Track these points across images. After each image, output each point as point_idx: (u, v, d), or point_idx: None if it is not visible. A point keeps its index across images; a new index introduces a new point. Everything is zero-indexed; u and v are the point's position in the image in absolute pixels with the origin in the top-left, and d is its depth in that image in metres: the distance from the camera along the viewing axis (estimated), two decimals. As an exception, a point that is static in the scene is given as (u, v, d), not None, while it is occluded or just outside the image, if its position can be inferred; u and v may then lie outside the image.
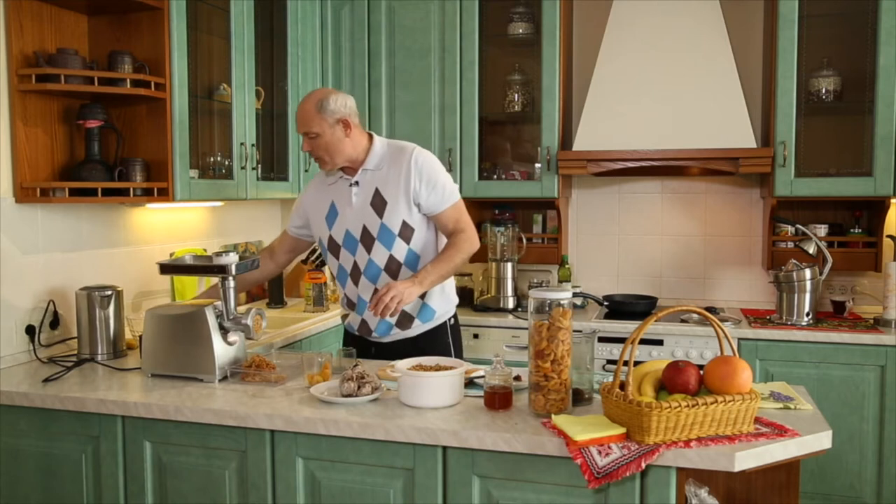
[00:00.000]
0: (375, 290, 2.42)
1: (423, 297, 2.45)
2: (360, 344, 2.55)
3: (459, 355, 2.59)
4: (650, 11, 3.46)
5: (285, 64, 3.47)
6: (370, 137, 2.47)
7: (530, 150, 3.78)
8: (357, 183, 2.45)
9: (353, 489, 1.88)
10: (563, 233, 3.78)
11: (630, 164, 3.41)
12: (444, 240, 2.50)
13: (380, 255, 2.43)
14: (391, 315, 2.27)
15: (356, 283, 2.48)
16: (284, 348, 2.88)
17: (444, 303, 2.54)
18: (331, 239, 2.50)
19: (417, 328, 2.50)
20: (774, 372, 3.13)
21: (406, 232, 2.42)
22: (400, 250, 2.42)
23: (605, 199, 3.91)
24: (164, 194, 2.67)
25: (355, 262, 2.47)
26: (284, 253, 2.71)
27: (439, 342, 2.51)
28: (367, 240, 2.43)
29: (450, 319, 2.57)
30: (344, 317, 2.66)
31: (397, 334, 2.50)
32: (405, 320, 2.47)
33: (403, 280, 2.33)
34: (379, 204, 2.41)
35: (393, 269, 2.43)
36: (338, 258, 2.51)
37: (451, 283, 2.57)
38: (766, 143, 3.41)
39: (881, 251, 3.37)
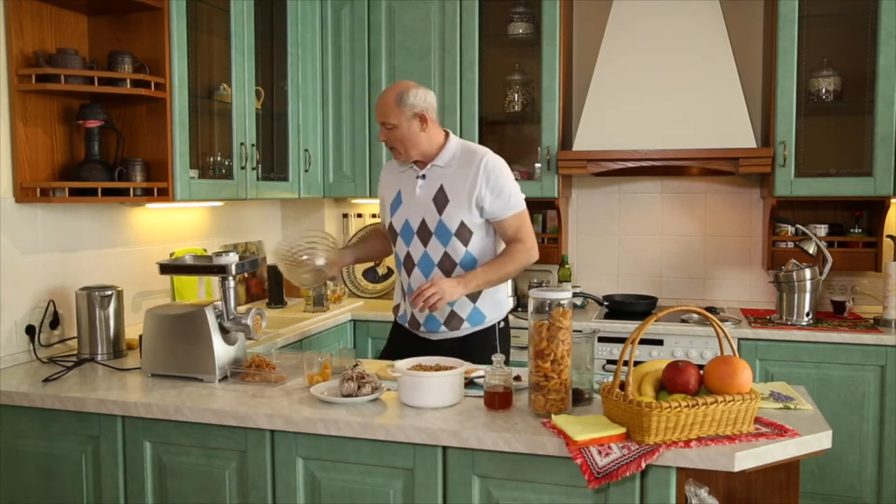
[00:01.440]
0: None
1: (474, 300, 2.46)
2: (408, 340, 2.56)
3: (507, 357, 2.56)
4: (650, 11, 3.46)
5: (285, 64, 3.48)
6: (446, 135, 2.51)
7: (530, 150, 3.78)
8: (424, 176, 2.48)
9: (353, 489, 1.88)
10: (563, 233, 3.78)
11: (630, 164, 3.41)
12: (503, 247, 2.51)
13: (435, 251, 2.45)
14: (430, 310, 2.30)
15: (409, 273, 2.51)
16: (284, 348, 2.88)
17: (495, 307, 2.53)
18: (391, 226, 2.55)
19: (466, 329, 2.50)
20: (774, 372, 3.13)
21: (463, 232, 2.43)
22: (456, 250, 2.44)
23: (605, 199, 3.91)
24: (164, 194, 2.67)
25: (408, 253, 2.50)
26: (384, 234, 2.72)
27: (487, 344, 2.50)
28: (424, 233, 2.46)
29: (499, 322, 2.57)
30: (395, 309, 2.67)
31: (445, 333, 2.50)
32: (454, 320, 2.48)
33: (449, 279, 2.35)
34: (441, 200, 2.44)
35: (447, 266, 2.45)
36: (395, 246, 2.56)
37: (504, 288, 2.57)
38: (766, 143, 3.41)
39: (881, 251, 3.37)
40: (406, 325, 2.58)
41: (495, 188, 2.41)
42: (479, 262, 2.45)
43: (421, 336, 2.55)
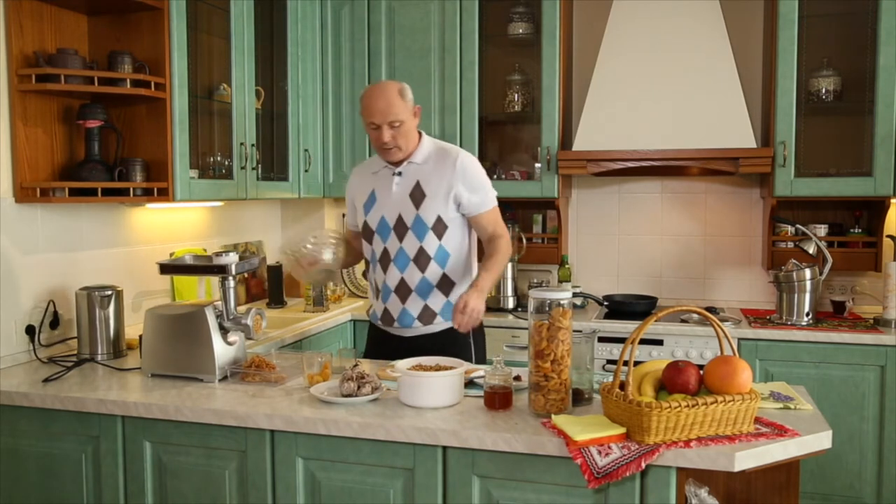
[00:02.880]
0: (402, 280, 2.47)
1: (446, 294, 2.50)
2: (382, 338, 2.58)
3: (481, 356, 2.59)
4: (650, 11, 3.46)
5: (285, 64, 3.48)
6: (419, 133, 2.54)
7: (530, 150, 3.78)
8: (401, 173, 2.49)
9: (353, 489, 1.88)
10: (563, 233, 3.78)
11: (630, 164, 3.41)
12: (475, 242, 2.56)
13: (410, 246, 2.47)
14: (473, 327, 2.34)
15: (385, 269, 2.52)
16: (284, 348, 2.88)
17: None
18: (365, 224, 2.55)
19: (440, 324, 2.51)
20: (774, 372, 3.13)
21: (439, 227, 2.46)
22: (431, 244, 2.46)
23: (605, 199, 3.91)
24: (164, 194, 2.67)
25: (385, 249, 2.51)
26: (356, 240, 2.71)
27: (460, 340, 2.51)
28: (401, 228, 2.47)
29: None
30: (370, 309, 2.68)
31: (418, 328, 2.51)
32: (426, 314, 2.50)
33: (468, 292, 2.35)
34: (418, 196, 2.46)
35: (422, 261, 2.47)
36: (371, 244, 2.55)
37: None
38: (766, 143, 3.41)
39: (881, 251, 3.37)
40: (378, 323, 2.59)
41: (472, 184, 2.46)
42: (451, 257, 2.49)
43: (394, 333, 2.56)
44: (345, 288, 3.98)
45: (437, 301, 2.49)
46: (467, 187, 2.45)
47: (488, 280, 2.40)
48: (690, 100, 3.38)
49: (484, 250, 2.51)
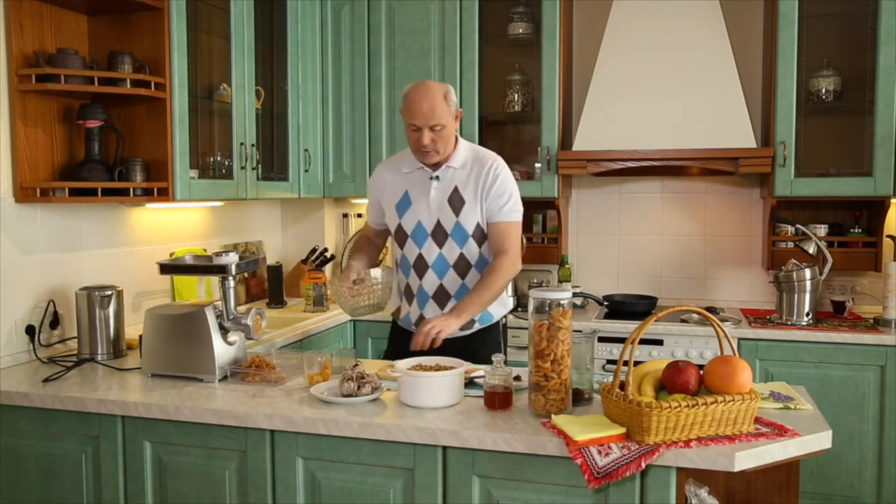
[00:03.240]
0: (441, 287, 2.46)
1: None
2: (406, 340, 2.52)
3: (506, 353, 2.60)
4: (650, 11, 3.46)
5: (285, 64, 3.48)
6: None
7: (530, 150, 3.78)
8: (438, 177, 2.45)
9: (353, 489, 1.88)
10: (563, 233, 3.78)
11: (630, 164, 3.41)
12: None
13: (451, 252, 2.45)
14: (432, 346, 2.25)
15: (420, 275, 2.49)
16: (284, 348, 2.88)
17: (500, 305, 2.56)
18: (399, 228, 2.51)
19: (476, 327, 2.51)
20: (774, 372, 3.13)
21: (479, 234, 2.45)
22: (472, 251, 2.45)
23: (605, 199, 3.91)
24: (164, 194, 2.67)
25: (420, 255, 2.48)
26: (378, 237, 2.71)
27: (491, 340, 2.52)
28: (440, 235, 2.45)
29: (503, 318, 2.60)
30: (396, 312, 2.65)
31: (455, 332, 2.41)
32: (467, 323, 2.44)
33: (443, 315, 2.33)
34: (457, 202, 2.43)
35: (461, 267, 2.45)
36: (402, 248, 2.52)
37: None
38: (766, 143, 3.41)
39: (881, 251, 3.37)
40: (412, 328, 2.54)
41: (497, 190, 2.43)
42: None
43: None
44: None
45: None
46: (494, 195, 2.42)
47: (471, 305, 2.34)
48: (690, 100, 3.38)
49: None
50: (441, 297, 2.48)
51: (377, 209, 2.61)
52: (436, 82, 2.41)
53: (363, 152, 3.75)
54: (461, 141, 2.51)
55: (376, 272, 2.50)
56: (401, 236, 2.51)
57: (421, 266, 2.48)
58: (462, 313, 2.32)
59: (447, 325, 2.27)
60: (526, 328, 1.88)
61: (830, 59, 3.39)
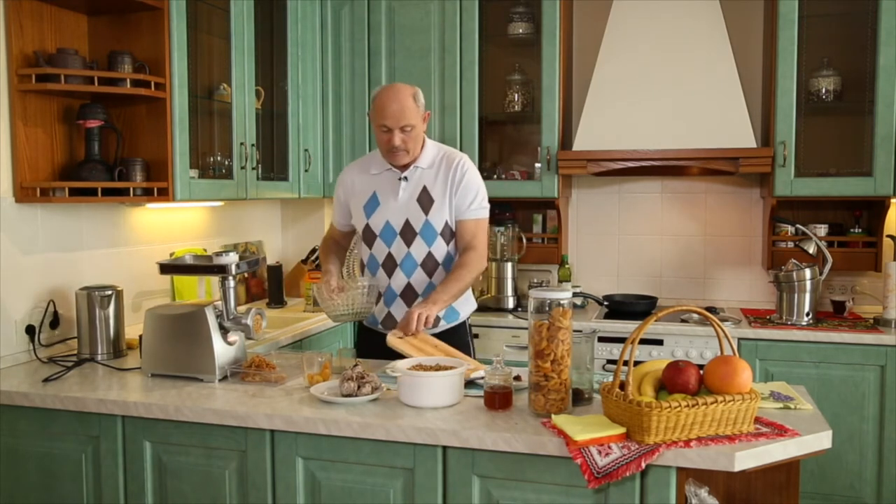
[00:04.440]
0: (409, 285, 2.49)
1: None
2: (379, 342, 2.52)
3: (473, 352, 2.64)
4: (650, 11, 3.46)
5: (285, 64, 3.47)
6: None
7: (530, 150, 3.78)
8: (406, 178, 2.49)
9: (353, 489, 1.88)
10: (563, 233, 3.78)
11: (630, 164, 3.41)
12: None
13: (419, 251, 2.48)
14: (415, 334, 2.29)
15: (389, 274, 2.51)
16: (284, 348, 2.88)
17: (465, 303, 2.62)
18: (367, 227, 2.53)
19: (441, 326, 2.55)
20: (774, 372, 3.13)
21: (447, 232, 2.49)
22: (440, 250, 2.49)
23: (605, 199, 3.91)
24: (164, 194, 2.67)
25: (390, 254, 2.50)
26: (344, 239, 2.73)
27: (460, 340, 2.55)
28: (409, 234, 2.47)
29: (468, 318, 2.65)
30: None
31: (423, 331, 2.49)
32: (434, 321, 2.47)
33: (421, 303, 2.36)
34: (426, 201, 2.47)
35: (430, 266, 2.49)
36: (371, 247, 2.54)
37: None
38: (766, 143, 3.41)
39: (881, 251, 3.37)
40: (378, 328, 2.58)
41: (465, 187, 2.47)
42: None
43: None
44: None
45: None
46: (462, 191, 2.47)
47: (444, 294, 2.37)
48: (690, 100, 3.38)
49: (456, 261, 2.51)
50: (409, 295, 2.51)
51: (343, 211, 2.63)
52: (404, 84, 2.45)
53: (363, 152, 3.75)
54: (428, 141, 2.54)
55: (363, 279, 2.50)
56: (369, 236, 2.53)
57: (390, 265, 2.51)
58: (437, 302, 2.35)
59: (429, 310, 2.31)
60: (526, 328, 1.87)
61: (830, 59, 3.39)
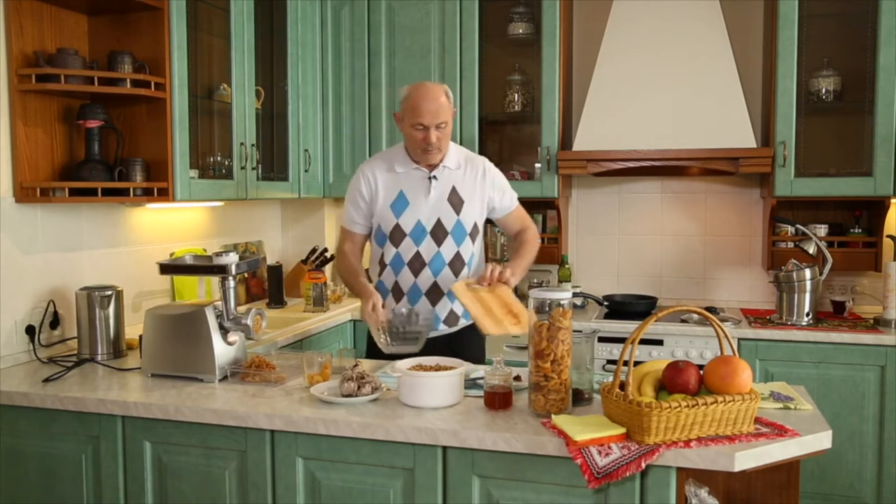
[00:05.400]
0: (435, 284, 2.50)
1: None
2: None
3: (483, 356, 2.67)
4: (650, 11, 3.46)
5: (285, 64, 3.48)
6: None
7: (530, 150, 3.78)
8: (436, 177, 2.50)
9: (353, 489, 1.88)
10: (563, 233, 3.78)
11: (630, 164, 3.41)
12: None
13: (448, 250, 2.50)
14: (491, 283, 2.32)
15: (416, 273, 2.51)
16: (284, 348, 2.88)
17: None
18: (397, 227, 2.50)
19: (460, 324, 2.57)
20: (774, 372, 3.13)
21: (475, 233, 2.55)
22: (467, 249, 2.53)
23: (605, 199, 3.91)
24: (164, 194, 2.67)
25: (418, 253, 2.50)
26: (362, 242, 2.66)
27: (474, 338, 2.56)
28: (440, 233, 2.49)
29: None
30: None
31: (441, 330, 2.55)
32: (451, 317, 2.55)
33: (510, 265, 2.42)
34: (456, 201, 2.50)
35: (457, 265, 2.52)
36: (397, 246, 2.52)
37: None
38: (766, 143, 3.41)
39: (881, 251, 3.37)
40: None
41: (501, 187, 2.60)
42: (475, 259, 2.56)
43: None
44: (344, 288, 3.97)
45: (459, 304, 2.48)
46: (498, 192, 2.58)
47: (520, 267, 2.47)
48: (690, 100, 3.38)
49: (515, 243, 2.63)
50: (434, 293, 2.51)
51: (366, 212, 2.55)
52: (434, 83, 2.49)
53: (363, 152, 3.75)
54: (451, 142, 2.57)
55: (424, 311, 2.42)
56: (398, 235, 2.51)
57: (417, 264, 2.51)
58: (515, 269, 2.42)
59: (509, 269, 2.37)
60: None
61: (830, 59, 3.39)
